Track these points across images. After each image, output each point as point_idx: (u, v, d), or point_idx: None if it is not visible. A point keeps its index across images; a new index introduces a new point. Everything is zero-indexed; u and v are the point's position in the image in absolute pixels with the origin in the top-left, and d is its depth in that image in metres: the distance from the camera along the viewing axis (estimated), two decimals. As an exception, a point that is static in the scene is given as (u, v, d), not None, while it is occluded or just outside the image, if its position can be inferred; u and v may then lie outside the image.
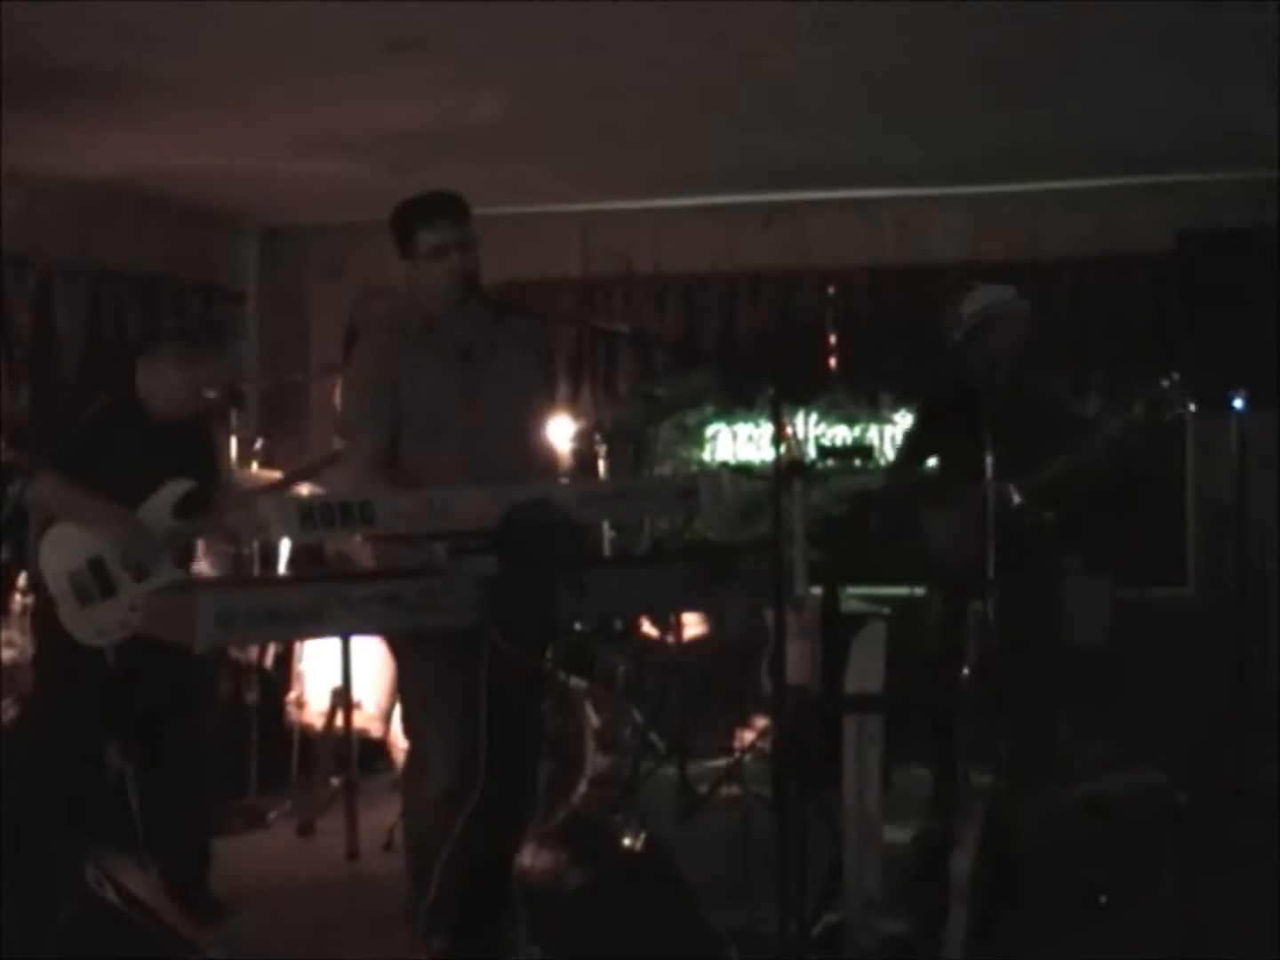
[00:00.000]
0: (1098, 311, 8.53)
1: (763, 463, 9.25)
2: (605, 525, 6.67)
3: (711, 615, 7.93)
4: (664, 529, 6.45)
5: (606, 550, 6.73)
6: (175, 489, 5.89)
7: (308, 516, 4.10)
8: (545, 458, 5.50)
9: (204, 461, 6.11)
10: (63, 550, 5.73)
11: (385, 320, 5.30)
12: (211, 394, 6.07)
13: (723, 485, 4.84)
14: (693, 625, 8.01)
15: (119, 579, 5.76)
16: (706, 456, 9.38)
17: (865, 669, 5.42)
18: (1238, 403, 7.33)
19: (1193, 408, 7.03)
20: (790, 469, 7.04)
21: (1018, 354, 6.91)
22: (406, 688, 5.24)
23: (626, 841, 4.84)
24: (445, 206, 5.08)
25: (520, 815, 5.08)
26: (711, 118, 7.03)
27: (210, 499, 5.98)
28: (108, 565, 5.75)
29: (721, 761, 7.84)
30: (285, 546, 7.26)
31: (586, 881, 4.65)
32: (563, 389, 9.02)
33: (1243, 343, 7.35)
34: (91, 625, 5.69)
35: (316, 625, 4.06)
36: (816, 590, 7.77)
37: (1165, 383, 6.71)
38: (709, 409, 9.11)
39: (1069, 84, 6.50)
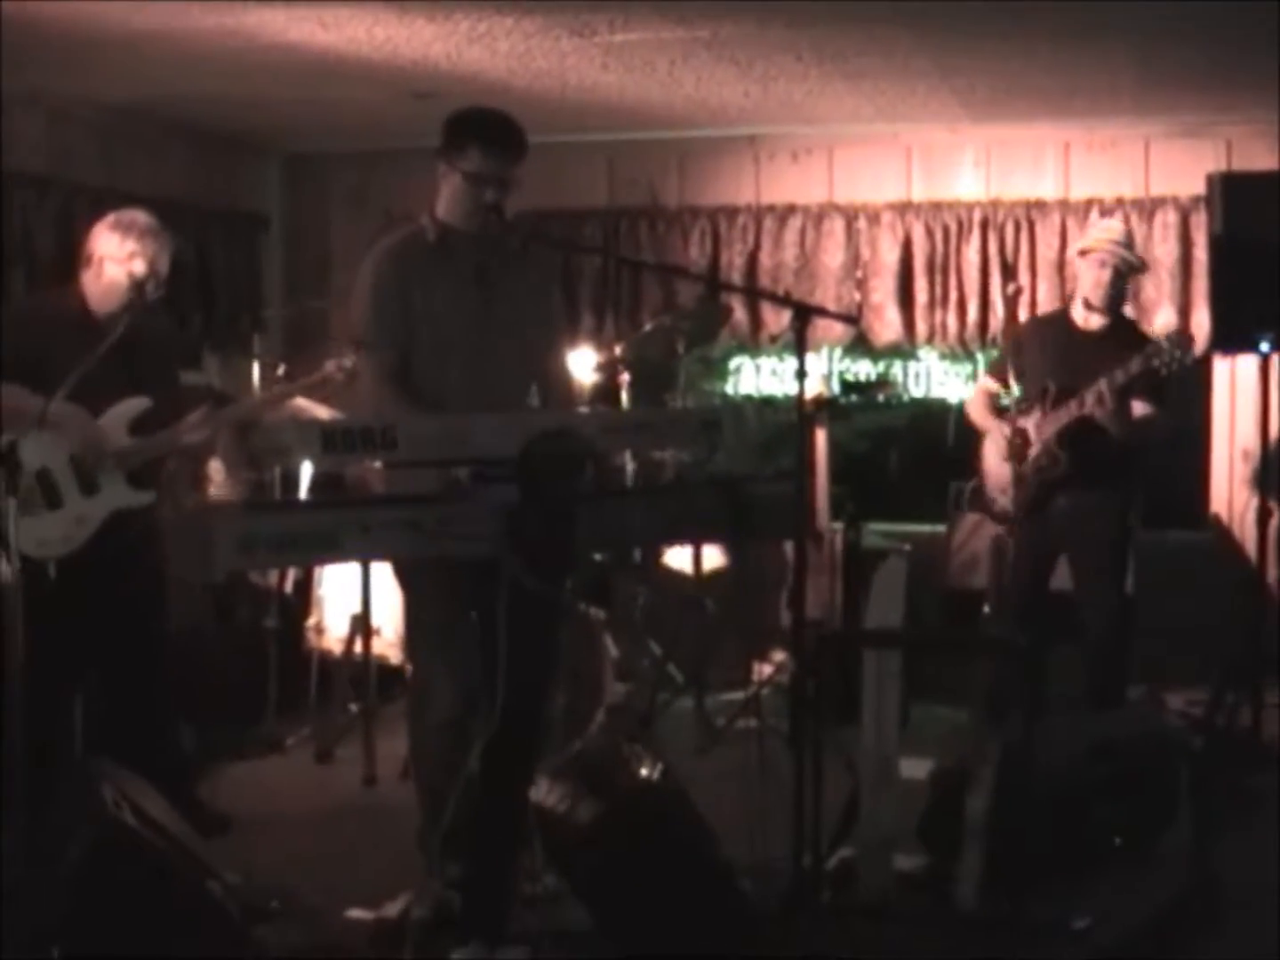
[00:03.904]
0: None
1: (786, 396, 9.25)
2: (626, 456, 6.67)
3: (732, 548, 7.93)
4: (685, 461, 6.41)
5: (628, 481, 6.72)
6: (131, 406, 5.88)
7: (329, 441, 4.09)
8: (563, 387, 5.46)
9: (161, 377, 6.07)
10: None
11: (404, 231, 5.24)
12: (147, 283, 5.94)
13: (746, 418, 4.83)
14: (712, 557, 8.00)
15: (66, 491, 5.76)
16: (729, 389, 9.37)
17: (886, 605, 5.41)
18: (1263, 345, 7.30)
19: (1194, 353, 6.95)
20: (816, 404, 7.13)
21: (1114, 288, 6.96)
22: (412, 615, 5.25)
23: (643, 773, 4.82)
24: (504, 138, 5.02)
25: (535, 744, 5.09)
26: (740, 49, 6.97)
27: (168, 417, 5.96)
28: (55, 477, 5.74)
29: (739, 694, 7.86)
30: (306, 473, 7.24)
31: (601, 812, 4.66)
32: (586, 320, 8.97)
33: (1271, 285, 7.30)
34: (33, 536, 5.57)
35: (335, 551, 4.04)
36: (838, 525, 7.85)
37: (1165, 339, 6.74)
38: (733, 341, 9.09)
39: (1102, 23, 6.40)
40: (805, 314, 4.71)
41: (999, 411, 7.23)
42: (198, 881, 4.51)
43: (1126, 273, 7.13)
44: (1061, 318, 7.22)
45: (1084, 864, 5.56)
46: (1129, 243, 7.18)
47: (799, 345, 4.65)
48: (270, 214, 9.68)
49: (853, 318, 8.40)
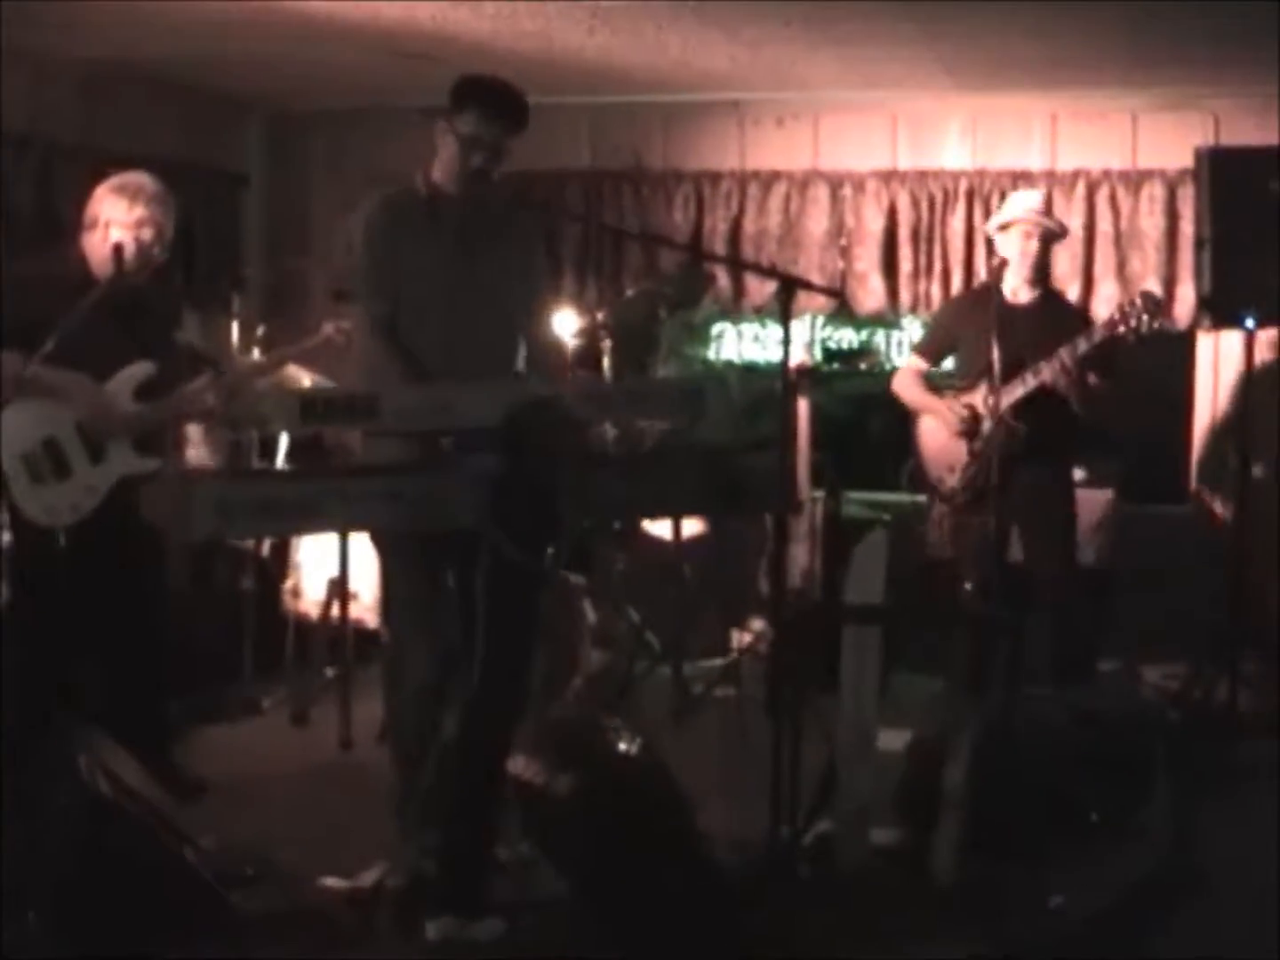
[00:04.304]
0: (1111, 224, 8.42)
1: (768, 363, 9.22)
2: (608, 425, 6.64)
3: (711, 516, 7.90)
4: (667, 430, 6.39)
5: (609, 450, 6.70)
6: (137, 371, 5.85)
7: (309, 409, 4.07)
8: (549, 354, 5.45)
9: (164, 341, 6.04)
10: (15, 431, 5.64)
11: (398, 188, 5.22)
12: (154, 248, 5.92)
13: (729, 387, 4.80)
14: (691, 524, 7.98)
15: (74, 459, 5.72)
16: (711, 354, 9.35)
17: (866, 580, 5.39)
18: (1249, 321, 7.31)
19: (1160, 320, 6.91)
20: (798, 373, 7.10)
21: (1042, 259, 6.93)
22: (390, 581, 5.24)
23: (621, 746, 4.81)
24: (501, 104, 5.00)
25: (513, 713, 5.06)
26: (727, 14, 6.93)
27: (173, 383, 5.94)
28: (62, 445, 5.71)
29: (718, 662, 7.86)
30: (284, 436, 7.21)
31: (579, 786, 4.65)
32: (568, 283, 8.92)
33: (1258, 262, 7.31)
34: (41, 504, 5.63)
35: (314, 520, 4.03)
36: (819, 494, 7.84)
37: (1130, 303, 6.71)
38: (715, 307, 9.05)
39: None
40: (791, 287, 4.69)
41: (934, 389, 7.19)
42: (173, 848, 4.50)
43: (1051, 242, 7.12)
44: (989, 293, 6.95)
45: (1060, 837, 5.56)
46: (1048, 210, 7.15)
47: (784, 318, 4.63)
48: (250, 172, 9.60)
49: (837, 291, 8.35)
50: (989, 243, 7.36)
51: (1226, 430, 8.30)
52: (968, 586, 6.96)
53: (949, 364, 7.41)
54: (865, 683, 5.19)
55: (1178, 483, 8.70)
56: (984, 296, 7.11)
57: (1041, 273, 7.02)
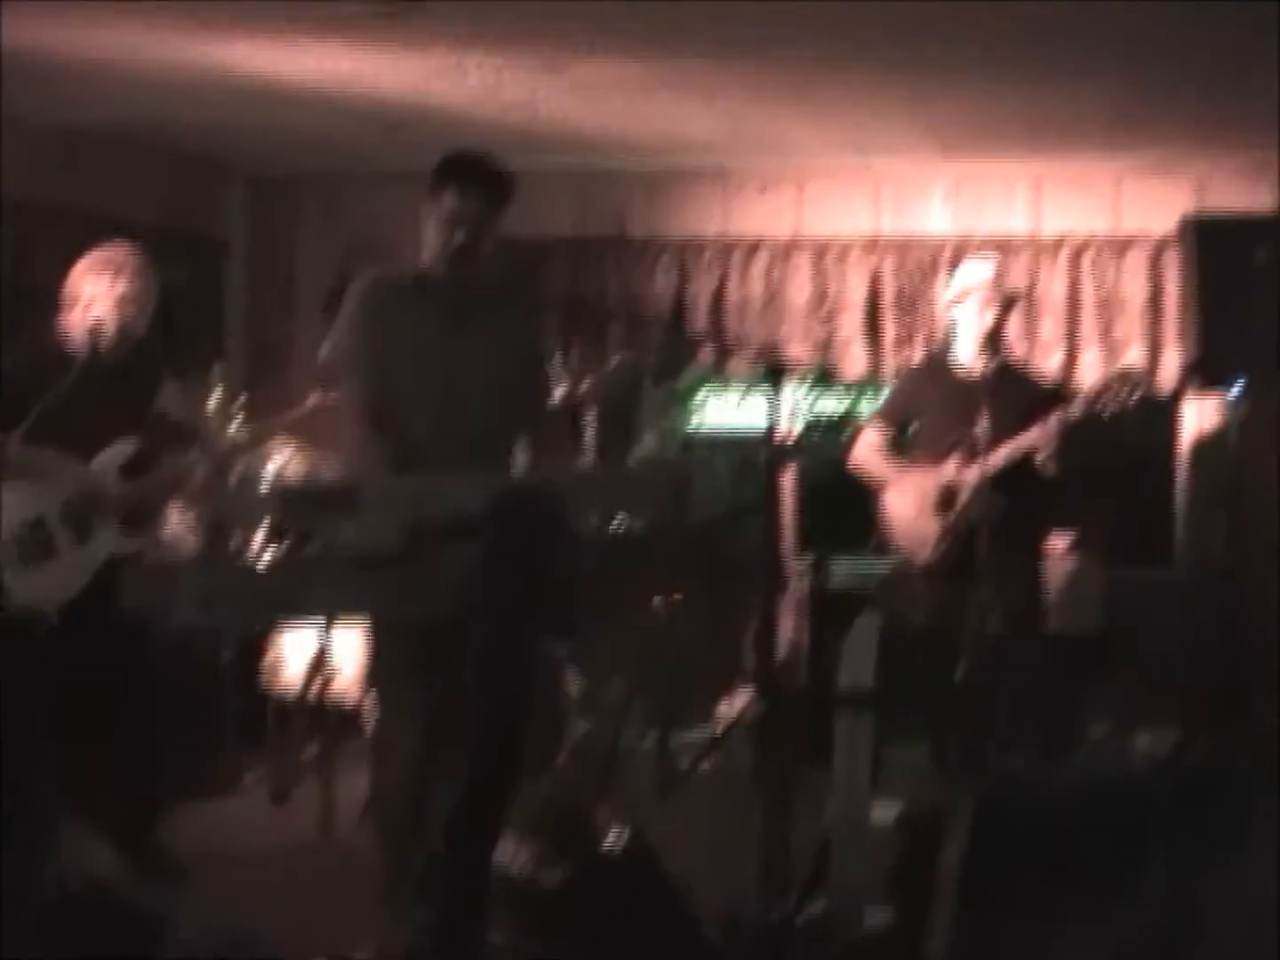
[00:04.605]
0: (1095, 290, 8.40)
1: (752, 430, 9.15)
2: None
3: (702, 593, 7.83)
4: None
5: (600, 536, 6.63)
6: (121, 449, 5.79)
7: (291, 503, 4.01)
8: (548, 440, 5.40)
9: (147, 415, 5.96)
10: (2, 513, 5.56)
11: (386, 269, 5.19)
12: (136, 323, 5.87)
13: (716, 473, 4.75)
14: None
15: (60, 540, 5.65)
16: (695, 422, 9.29)
17: (858, 664, 5.33)
18: (1236, 388, 7.32)
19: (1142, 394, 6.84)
20: (784, 444, 7.04)
21: (997, 330, 6.89)
22: (376, 666, 5.18)
23: (611, 834, 4.74)
24: (479, 179, 4.98)
25: (502, 795, 4.99)
26: (708, 84, 6.91)
27: (159, 458, 5.88)
28: (49, 525, 5.64)
29: (704, 732, 7.79)
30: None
31: (570, 877, 4.59)
32: (550, 351, 8.86)
33: (1245, 329, 7.31)
34: (28, 586, 5.57)
35: (298, 611, 3.96)
36: (805, 559, 7.78)
37: (1112, 378, 6.67)
38: (698, 375, 9.00)
39: (1074, 58, 6.34)
40: (779, 373, 4.66)
41: (901, 463, 7.09)
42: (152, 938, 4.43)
43: (1008, 311, 7.03)
44: (948, 364, 7.01)
45: (1057, 909, 5.49)
46: (1002, 278, 7.09)
47: (771, 405, 4.59)
48: (233, 238, 9.56)
49: (827, 370, 8.33)
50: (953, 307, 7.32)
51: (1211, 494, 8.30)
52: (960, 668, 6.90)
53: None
54: (858, 765, 5.13)
55: (1165, 546, 8.65)
56: (940, 368, 7.08)
57: (998, 343, 6.93)
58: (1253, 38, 5.89)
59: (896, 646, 6.80)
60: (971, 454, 6.69)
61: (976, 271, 7.03)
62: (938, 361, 7.23)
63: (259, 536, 6.82)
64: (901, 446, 7.06)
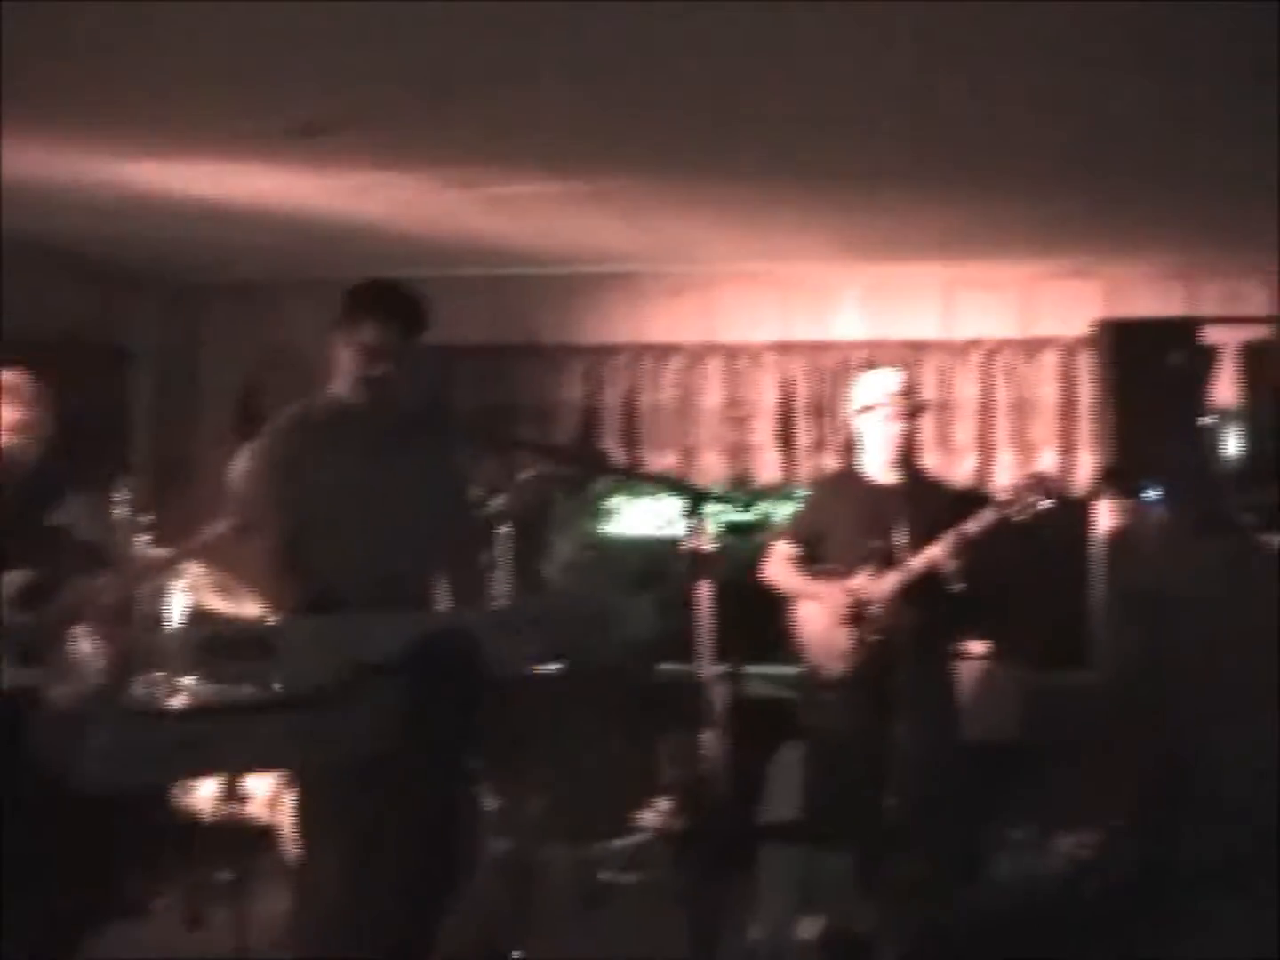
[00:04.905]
0: (1008, 393, 8.41)
1: (664, 538, 9.10)
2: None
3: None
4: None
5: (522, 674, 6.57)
6: (17, 578, 5.66)
7: (206, 649, 3.92)
8: (472, 576, 5.32)
9: (46, 540, 5.83)
10: None
11: (295, 408, 5.10)
12: (30, 449, 5.77)
13: (636, 613, 4.70)
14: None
15: None
16: (607, 529, 9.25)
17: (782, 798, 5.29)
18: (1151, 493, 7.34)
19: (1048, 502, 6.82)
20: (699, 558, 6.99)
21: (906, 441, 6.87)
22: (300, 806, 5.07)
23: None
24: (395, 310, 4.92)
25: (428, 933, 4.92)
26: (624, 199, 6.89)
27: (57, 585, 5.75)
28: None
29: (623, 841, 7.71)
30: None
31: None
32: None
33: (1159, 433, 7.35)
34: None
35: (213, 764, 3.87)
36: (720, 668, 7.70)
37: (1016, 487, 6.65)
38: (609, 482, 8.96)
39: (983, 167, 6.35)
40: (700, 499, 4.64)
41: (813, 575, 7.05)
42: None
43: (915, 420, 7.02)
44: (853, 475, 7.03)
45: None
46: (909, 388, 7.07)
47: (692, 533, 4.56)
48: (138, 348, 9.43)
49: (740, 477, 8.30)
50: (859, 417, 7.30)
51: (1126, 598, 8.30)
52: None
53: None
54: (784, 893, 5.08)
55: (1081, 650, 8.65)
56: (848, 480, 7.07)
57: (906, 453, 6.92)
58: (1163, 148, 5.92)
59: (820, 769, 6.77)
60: (882, 566, 6.67)
61: (883, 382, 7.00)
62: (846, 472, 7.21)
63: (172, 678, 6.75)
64: (813, 558, 7.01)
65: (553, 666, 6.46)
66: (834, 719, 6.83)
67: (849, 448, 7.32)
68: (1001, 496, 6.65)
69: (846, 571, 6.82)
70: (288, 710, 4.01)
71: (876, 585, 6.67)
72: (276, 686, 4.30)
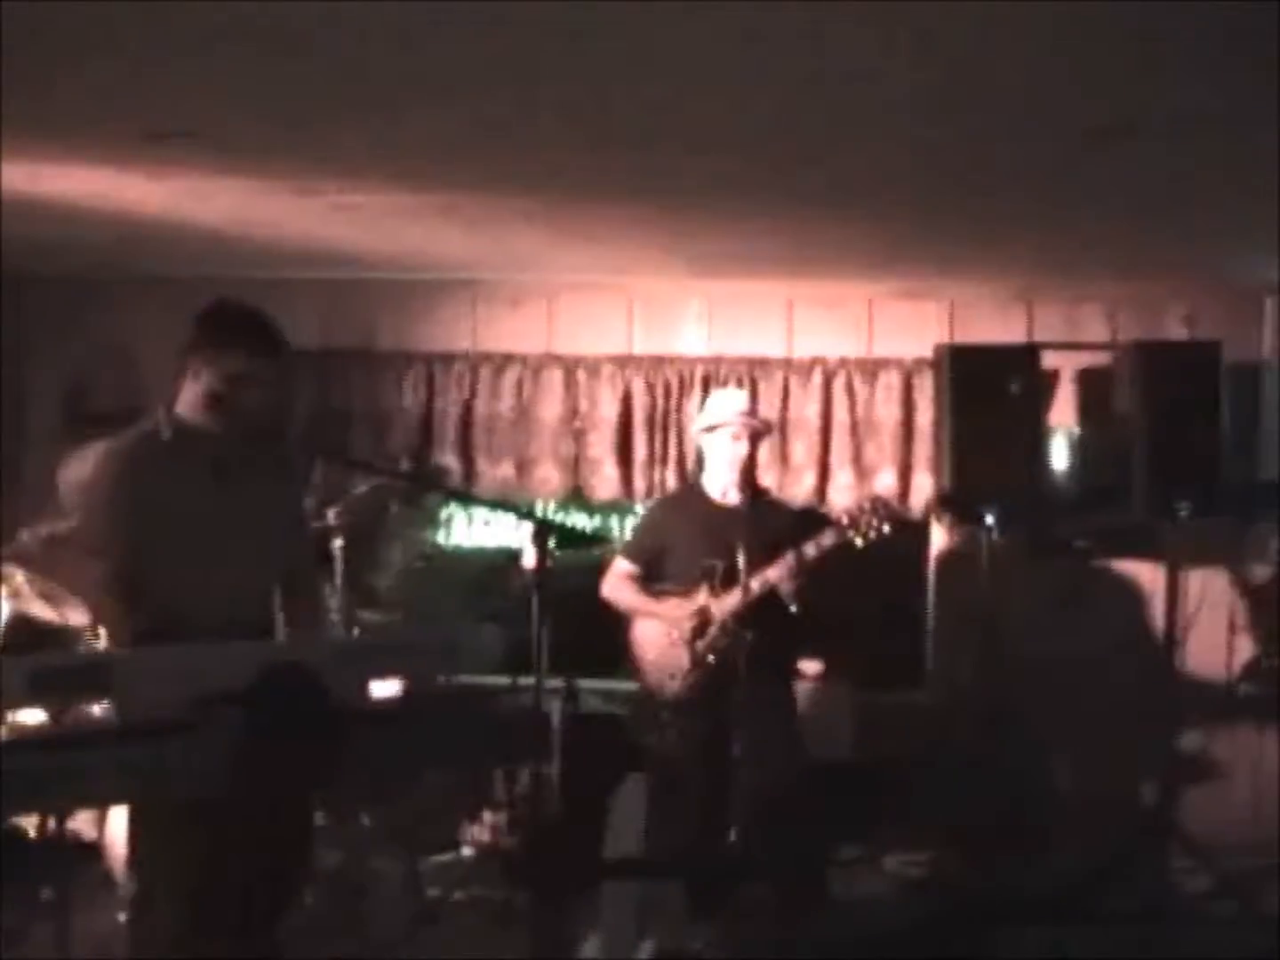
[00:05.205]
0: (848, 413, 8.40)
1: (498, 549, 9.02)
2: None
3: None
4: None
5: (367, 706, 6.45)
6: None
7: (38, 680, 3.78)
8: (311, 599, 5.23)
9: None
10: None
11: (135, 430, 4.97)
12: None
13: (482, 639, 4.63)
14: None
15: None
16: (441, 539, 9.15)
17: (623, 832, 5.25)
18: (988, 518, 7.40)
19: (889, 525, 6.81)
20: (532, 580, 6.94)
21: (749, 461, 6.86)
22: (137, 840, 4.95)
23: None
24: (267, 340, 4.83)
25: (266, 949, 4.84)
26: (471, 211, 6.81)
27: None
28: None
29: (452, 856, 7.63)
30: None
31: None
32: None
33: (996, 458, 7.40)
34: None
35: (42, 803, 3.73)
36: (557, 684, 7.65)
37: (857, 508, 6.65)
38: (444, 492, 8.85)
39: (826, 188, 6.33)
40: (546, 531, 4.59)
41: (651, 593, 7.04)
42: None
43: (758, 441, 7.03)
44: (696, 493, 7.04)
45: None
46: (753, 409, 7.09)
47: (539, 561, 4.51)
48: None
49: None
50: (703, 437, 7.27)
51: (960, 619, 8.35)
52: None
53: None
54: (623, 925, 5.03)
55: (916, 670, 8.67)
56: (690, 498, 7.06)
57: (750, 474, 6.90)
58: (1003, 172, 5.93)
59: (661, 793, 6.73)
60: (722, 585, 6.65)
61: (728, 402, 7.00)
62: (688, 491, 7.22)
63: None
64: (653, 577, 6.98)
65: (393, 692, 6.39)
66: (673, 738, 6.80)
67: (695, 465, 7.30)
68: (841, 519, 6.63)
69: (686, 590, 6.79)
70: (124, 743, 3.88)
71: (715, 604, 6.66)
72: (112, 719, 4.22)
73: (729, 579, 6.64)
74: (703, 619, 6.73)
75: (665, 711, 6.88)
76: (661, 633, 6.87)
